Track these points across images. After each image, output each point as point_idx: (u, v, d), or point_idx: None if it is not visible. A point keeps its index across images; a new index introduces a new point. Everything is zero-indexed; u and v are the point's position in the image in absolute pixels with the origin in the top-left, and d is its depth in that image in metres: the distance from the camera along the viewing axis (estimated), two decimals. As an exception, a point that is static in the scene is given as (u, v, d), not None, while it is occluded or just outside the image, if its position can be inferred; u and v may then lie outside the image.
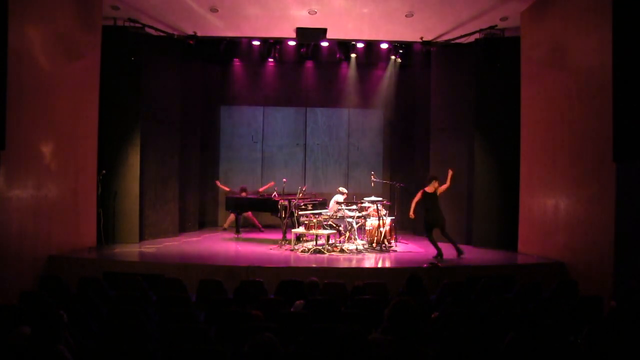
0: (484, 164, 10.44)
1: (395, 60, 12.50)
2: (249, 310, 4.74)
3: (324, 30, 10.27)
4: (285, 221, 10.01)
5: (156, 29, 10.29)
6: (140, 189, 10.10)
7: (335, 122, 13.66)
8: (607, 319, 4.11)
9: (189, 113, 11.98)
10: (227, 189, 12.06)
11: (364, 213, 9.78)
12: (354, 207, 9.78)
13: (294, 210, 10.04)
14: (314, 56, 12.66)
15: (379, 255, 9.21)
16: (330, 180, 13.28)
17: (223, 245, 10.38)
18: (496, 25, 9.80)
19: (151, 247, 9.54)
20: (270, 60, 12.88)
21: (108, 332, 4.23)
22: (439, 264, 8.03)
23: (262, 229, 12.15)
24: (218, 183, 12.47)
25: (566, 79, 8.30)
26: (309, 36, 10.62)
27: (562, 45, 8.45)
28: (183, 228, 11.72)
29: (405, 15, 9.79)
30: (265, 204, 10.56)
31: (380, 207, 9.69)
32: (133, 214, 9.99)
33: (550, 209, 8.65)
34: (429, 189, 8.90)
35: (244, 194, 11.58)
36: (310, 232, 9.40)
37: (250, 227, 12.29)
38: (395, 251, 9.58)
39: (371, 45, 12.07)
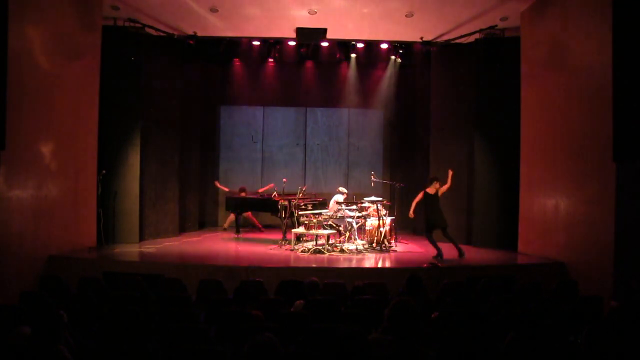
0: (484, 164, 10.45)
1: (395, 60, 12.50)
2: (249, 310, 4.74)
3: (324, 30, 10.27)
4: (285, 221, 10.01)
5: (156, 29, 10.29)
6: (140, 189, 10.10)
7: (335, 122, 13.66)
8: (607, 319, 4.10)
9: (189, 113, 11.98)
10: (226, 189, 12.07)
11: (364, 213, 9.78)
12: (354, 207, 9.78)
13: (294, 210, 10.04)
14: (314, 56, 12.66)
15: (379, 255, 9.21)
16: (330, 180, 13.28)
17: (223, 245, 10.38)
18: (496, 25, 9.80)
19: (151, 247, 9.55)
20: (270, 60, 12.89)
21: (108, 332, 4.22)
22: (439, 264, 8.04)
23: (262, 229, 12.15)
24: (217, 183, 12.47)
25: (566, 79, 8.30)
26: (309, 36, 10.62)
27: (562, 45, 8.45)
28: (183, 228, 11.73)
29: (405, 15, 9.79)
30: (265, 204, 10.56)
31: (380, 207, 9.70)
32: (133, 214, 9.99)
33: (550, 209, 8.64)
34: (430, 190, 8.90)
35: (243, 194, 11.59)
36: (310, 232, 9.41)
37: (250, 227, 12.29)
38: (395, 251, 9.58)
39: (371, 45, 12.06)
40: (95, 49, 9.21)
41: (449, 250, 8.76)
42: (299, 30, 10.30)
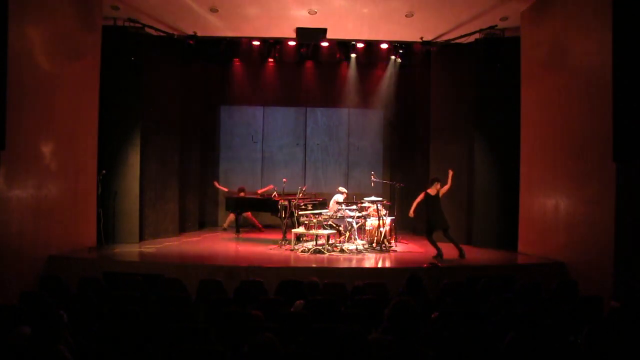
0: (484, 164, 10.45)
1: (395, 60, 12.49)
2: (249, 310, 4.74)
3: (324, 30, 10.27)
4: (285, 221, 10.01)
5: (156, 29, 10.29)
6: (140, 189, 10.09)
7: (335, 122, 13.66)
8: (607, 319, 4.10)
9: (189, 113, 11.99)
10: (225, 189, 12.07)
11: (364, 213, 9.78)
12: (354, 207, 9.78)
13: (294, 210, 10.04)
14: (314, 56, 12.64)
15: (379, 255, 9.21)
16: (330, 180, 13.28)
17: (223, 245, 10.38)
18: (496, 25, 9.80)
19: (151, 247, 9.54)
20: (270, 60, 12.89)
21: (108, 332, 4.22)
22: (439, 264, 8.04)
23: (262, 229, 12.15)
24: (216, 184, 12.48)
25: (566, 79, 8.30)
26: (309, 36, 10.62)
27: (562, 45, 8.45)
28: (183, 228, 11.73)
29: (405, 15, 9.79)
30: (265, 204, 10.56)
31: (380, 207, 9.70)
32: (133, 214, 9.99)
33: (550, 209, 8.64)
34: (431, 190, 8.89)
35: (242, 194, 11.59)
36: (310, 232, 9.41)
37: (250, 227, 12.29)
38: (395, 251, 9.58)
39: (371, 45, 12.06)
40: (95, 49, 9.21)
41: (449, 250, 8.76)
42: (299, 30, 10.30)
